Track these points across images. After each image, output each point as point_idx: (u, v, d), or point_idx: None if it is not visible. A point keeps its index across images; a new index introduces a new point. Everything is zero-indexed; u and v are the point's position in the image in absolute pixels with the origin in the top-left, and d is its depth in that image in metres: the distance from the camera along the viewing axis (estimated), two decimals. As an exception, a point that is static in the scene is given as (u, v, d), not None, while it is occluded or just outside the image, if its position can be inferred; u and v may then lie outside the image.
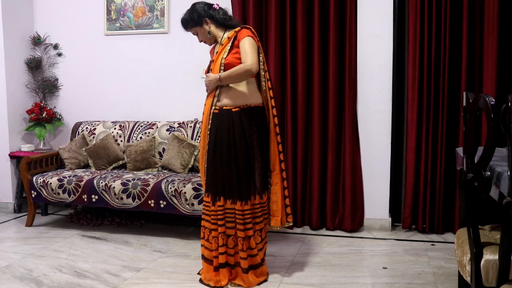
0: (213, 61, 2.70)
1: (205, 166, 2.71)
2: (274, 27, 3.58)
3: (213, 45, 2.85)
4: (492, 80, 3.24)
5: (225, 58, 2.61)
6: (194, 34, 2.82)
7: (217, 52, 2.69)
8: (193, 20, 2.75)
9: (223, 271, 2.63)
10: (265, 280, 2.69)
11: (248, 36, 2.60)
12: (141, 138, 4.02)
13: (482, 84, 3.32)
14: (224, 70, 2.60)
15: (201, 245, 2.72)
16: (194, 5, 2.78)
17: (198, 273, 2.78)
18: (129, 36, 4.26)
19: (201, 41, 2.82)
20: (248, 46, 2.57)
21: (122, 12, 4.26)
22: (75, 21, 4.40)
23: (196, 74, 4.01)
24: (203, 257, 2.71)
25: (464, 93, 1.98)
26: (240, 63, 2.57)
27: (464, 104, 1.97)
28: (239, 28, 2.67)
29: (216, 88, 2.66)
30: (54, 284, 2.66)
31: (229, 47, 2.63)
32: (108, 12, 4.29)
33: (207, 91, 2.74)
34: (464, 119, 1.99)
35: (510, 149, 1.41)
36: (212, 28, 2.73)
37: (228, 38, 2.67)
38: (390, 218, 3.64)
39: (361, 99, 3.59)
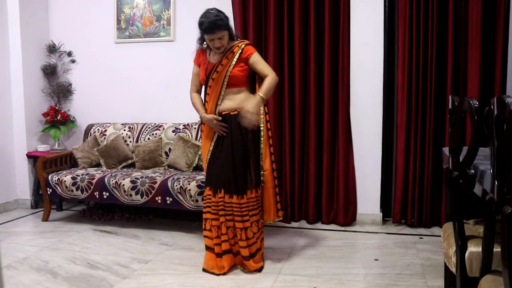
0: (217, 72, 2.69)
1: (207, 162, 2.79)
2: (272, 35, 3.57)
3: (198, 50, 2.85)
4: (475, 84, 3.24)
5: (230, 71, 2.67)
6: (217, 38, 2.63)
7: (222, 64, 2.69)
8: (226, 25, 2.66)
9: (226, 257, 2.68)
10: (262, 267, 2.74)
11: (255, 51, 2.73)
12: (148, 139, 4.02)
13: (466, 88, 3.31)
14: (229, 82, 2.68)
15: (204, 237, 2.75)
16: (220, 10, 2.69)
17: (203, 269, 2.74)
18: (138, 44, 4.26)
19: (219, 47, 2.68)
20: (263, 60, 2.75)
21: (131, 21, 4.26)
22: (87, 30, 4.40)
23: (200, 79, 4.01)
24: (206, 247, 2.74)
25: (450, 97, 1.98)
26: (243, 75, 2.70)
27: (450, 107, 1.97)
28: (242, 44, 2.71)
29: (218, 96, 2.71)
30: (68, 275, 2.66)
31: (234, 61, 2.68)
32: (118, 21, 4.29)
33: (250, 122, 2.57)
34: (450, 121, 2.00)
35: (492, 148, 1.41)
36: (229, 37, 2.71)
37: (233, 52, 2.69)
38: (381, 213, 3.64)
39: (354, 103, 3.59)
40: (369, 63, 3.53)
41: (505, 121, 1.29)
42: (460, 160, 1.79)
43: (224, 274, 2.64)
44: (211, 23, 2.59)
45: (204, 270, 2.71)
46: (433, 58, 3.33)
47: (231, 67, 2.67)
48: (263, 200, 2.79)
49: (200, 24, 2.64)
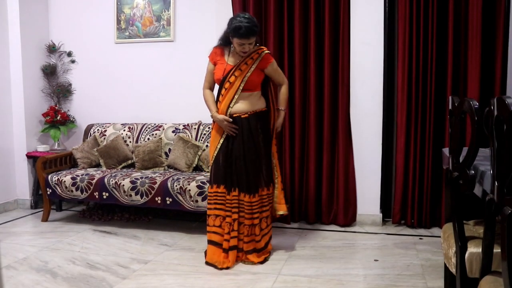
0: (235, 76, 2.78)
1: (212, 161, 2.87)
2: (272, 35, 3.57)
3: (216, 48, 2.91)
4: (475, 85, 3.24)
5: (248, 76, 2.78)
6: (248, 43, 2.71)
7: (240, 69, 2.78)
8: (259, 31, 2.79)
9: (232, 253, 2.78)
10: (266, 259, 2.87)
11: (273, 59, 2.89)
12: (148, 139, 4.02)
13: (466, 89, 3.31)
14: (244, 86, 2.79)
15: (212, 232, 2.84)
16: (251, 16, 2.76)
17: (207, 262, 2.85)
18: (138, 44, 4.26)
19: (246, 51, 2.75)
20: (279, 69, 2.95)
21: (131, 21, 4.26)
22: (87, 30, 4.41)
23: (200, 79, 3.98)
24: (212, 242, 2.83)
25: (450, 97, 1.98)
26: (258, 81, 2.85)
27: (450, 107, 1.97)
28: (262, 51, 2.81)
29: (231, 99, 2.80)
30: (68, 275, 2.66)
31: (253, 68, 2.79)
32: (118, 21, 4.29)
33: (279, 129, 2.99)
34: (450, 121, 1.99)
35: (492, 149, 1.41)
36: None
37: (252, 58, 2.79)
38: (381, 214, 3.64)
39: (354, 103, 3.59)
40: (369, 63, 3.52)
41: (505, 121, 1.29)
42: (460, 160, 1.78)
43: (227, 268, 2.73)
44: (248, 29, 2.65)
45: (207, 263, 2.80)
46: (433, 58, 3.33)
47: (249, 73, 2.79)
48: (278, 193, 2.96)
49: (238, 28, 2.64)
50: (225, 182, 2.82)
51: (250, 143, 2.79)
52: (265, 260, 2.86)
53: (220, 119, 2.80)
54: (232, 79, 2.79)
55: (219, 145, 2.85)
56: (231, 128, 2.80)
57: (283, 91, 2.96)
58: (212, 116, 2.87)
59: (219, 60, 2.88)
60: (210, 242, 2.84)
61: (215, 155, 2.86)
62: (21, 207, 4.32)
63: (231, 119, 2.80)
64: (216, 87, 2.97)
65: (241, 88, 2.79)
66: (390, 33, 3.59)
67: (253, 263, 2.80)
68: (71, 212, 4.19)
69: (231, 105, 2.81)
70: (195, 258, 2.92)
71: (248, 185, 2.78)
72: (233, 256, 2.79)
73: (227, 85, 2.81)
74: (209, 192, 2.89)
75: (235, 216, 2.79)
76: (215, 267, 2.74)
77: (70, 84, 4.48)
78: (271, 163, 2.91)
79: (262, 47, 2.88)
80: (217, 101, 2.90)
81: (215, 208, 2.83)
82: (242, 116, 2.81)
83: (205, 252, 2.90)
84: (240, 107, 2.81)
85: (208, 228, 2.86)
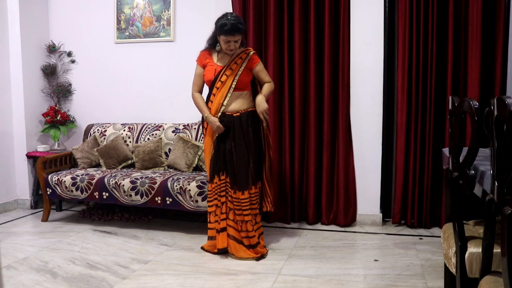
0: (226, 75, 2.87)
1: (211, 158, 2.97)
2: (272, 35, 3.58)
3: (203, 52, 3.00)
4: (476, 85, 3.24)
5: (239, 75, 2.86)
6: (234, 41, 2.81)
7: (231, 69, 2.87)
8: (244, 29, 2.87)
9: (222, 234, 2.91)
10: (263, 256, 2.92)
11: (259, 60, 2.99)
12: (148, 139, 4.02)
13: (466, 89, 3.31)
14: (236, 86, 2.88)
15: (211, 228, 2.99)
16: (238, 15, 2.89)
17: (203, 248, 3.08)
18: (138, 44, 4.27)
19: (232, 49, 2.85)
20: (265, 69, 3.03)
21: (131, 21, 4.26)
22: (87, 30, 4.41)
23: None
24: (212, 238, 2.99)
25: (450, 97, 1.98)
26: (247, 80, 2.95)
27: (450, 107, 1.97)
28: (249, 51, 2.92)
29: (224, 97, 2.88)
30: (68, 275, 2.66)
31: (243, 67, 2.88)
32: (118, 21, 4.29)
33: (267, 113, 2.92)
34: (450, 121, 1.99)
35: (492, 149, 1.41)
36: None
37: (241, 58, 2.89)
38: (381, 214, 3.64)
39: (354, 103, 3.59)
40: (369, 63, 3.52)
41: (505, 121, 1.29)
42: (460, 160, 1.78)
43: (218, 252, 2.92)
44: (233, 26, 2.75)
45: (202, 248, 3.04)
46: (433, 58, 3.33)
47: (240, 71, 2.87)
48: (266, 191, 3.02)
49: (223, 25, 2.76)
50: (218, 172, 2.92)
51: (241, 140, 2.87)
52: (262, 257, 2.90)
53: (214, 122, 2.88)
54: (223, 78, 2.87)
55: (212, 146, 2.95)
56: (219, 131, 2.89)
57: (268, 84, 3.00)
58: (206, 118, 2.95)
59: (208, 62, 2.96)
60: (210, 238, 3.00)
61: (212, 153, 2.96)
62: (21, 207, 4.32)
63: (223, 128, 2.86)
64: (205, 90, 3.03)
65: (233, 86, 2.87)
66: (390, 33, 3.59)
67: (251, 259, 2.85)
68: (71, 212, 4.18)
69: (224, 103, 2.89)
70: (195, 258, 2.93)
71: (238, 181, 2.86)
72: (223, 238, 2.90)
73: (218, 84, 2.89)
74: (208, 191, 3.00)
75: (223, 199, 2.91)
76: (210, 252, 2.97)
77: (70, 84, 4.48)
78: (260, 162, 2.97)
79: (249, 47, 2.98)
80: (207, 101, 2.98)
81: (213, 200, 2.97)
82: (234, 115, 2.90)
83: (202, 248, 3.07)
84: (233, 106, 2.91)
85: (209, 225, 2.99)
